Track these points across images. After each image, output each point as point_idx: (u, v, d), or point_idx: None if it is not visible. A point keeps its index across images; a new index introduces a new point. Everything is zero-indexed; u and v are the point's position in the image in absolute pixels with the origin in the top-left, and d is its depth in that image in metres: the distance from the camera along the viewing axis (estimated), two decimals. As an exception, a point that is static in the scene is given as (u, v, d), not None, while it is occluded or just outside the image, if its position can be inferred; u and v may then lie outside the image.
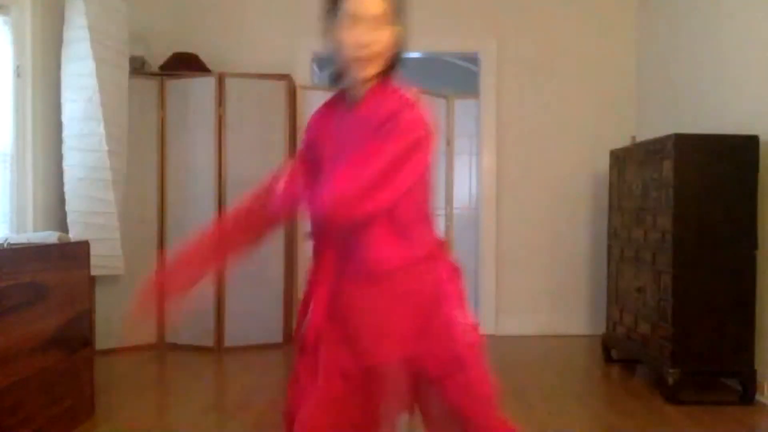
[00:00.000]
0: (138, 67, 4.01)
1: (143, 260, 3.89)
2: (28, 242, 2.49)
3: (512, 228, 4.55)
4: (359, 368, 1.28)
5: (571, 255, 4.54)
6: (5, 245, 2.31)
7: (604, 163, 4.01)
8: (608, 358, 3.76)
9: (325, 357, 1.29)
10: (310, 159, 1.38)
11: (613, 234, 3.78)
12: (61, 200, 3.38)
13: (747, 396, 2.91)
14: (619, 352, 3.73)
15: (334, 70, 1.34)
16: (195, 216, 3.94)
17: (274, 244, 4.02)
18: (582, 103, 4.54)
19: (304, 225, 1.41)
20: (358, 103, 1.31)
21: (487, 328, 4.41)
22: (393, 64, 1.31)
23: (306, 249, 4.32)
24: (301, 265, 4.30)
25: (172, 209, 4.00)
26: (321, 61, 4.88)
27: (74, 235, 3.22)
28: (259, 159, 3.98)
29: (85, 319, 2.63)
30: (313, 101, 4.30)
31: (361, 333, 1.29)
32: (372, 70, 1.27)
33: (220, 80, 3.94)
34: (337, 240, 1.30)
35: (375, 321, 1.29)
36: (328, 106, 1.40)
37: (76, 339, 2.55)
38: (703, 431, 2.64)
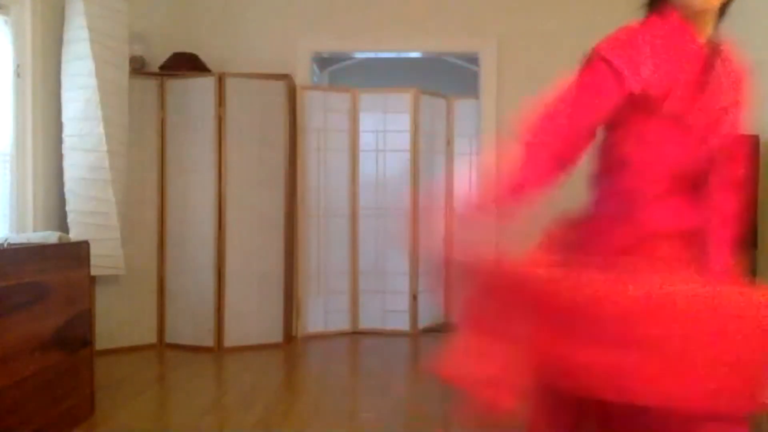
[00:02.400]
0: (138, 67, 4.01)
1: (143, 260, 3.90)
2: (28, 242, 2.49)
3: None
4: None
5: (571, 255, 4.52)
6: (5, 245, 2.31)
7: (604, 163, 4.00)
8: (608, 358, 3.76)
9: None
10: (630, 107, 1.03)
11: (613, 234, 3.76)
12: (61, 200, 3.38)
13: (747, 396, 2.91)
14: (619, 352, 3.72)
15: None
16: (195, 216, 3.95)
17: (274, 244, 4.03)
18: (582, 103, 4.53)
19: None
20: (706, 41, 1.03)
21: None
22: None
23: (305, 249, 4.32)
24: (301, 265, 4.30)
25: (172, 209, 3.99)
26: (321, 61, 4.88)
27: (74, 235, 3.22)
28: (259, 159, 3.98)
29: (85, 319, 2.63)
30: (314, 101, 4.31)
31: None
32: None
33: (220, 80, 3.94)
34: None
35: None
36: (656, 36, 1.04)
37: (76, 339, 2.56)
38: (703, 431, 2.63)
